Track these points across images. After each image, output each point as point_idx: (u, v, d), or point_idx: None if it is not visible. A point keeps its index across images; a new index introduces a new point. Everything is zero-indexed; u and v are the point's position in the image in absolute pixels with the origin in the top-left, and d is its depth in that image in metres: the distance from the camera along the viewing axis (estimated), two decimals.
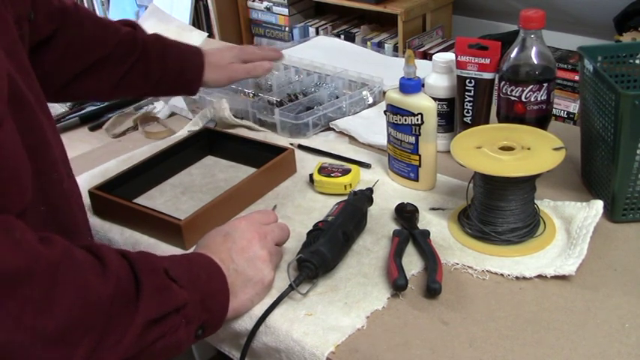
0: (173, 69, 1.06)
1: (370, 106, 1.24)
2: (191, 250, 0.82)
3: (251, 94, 1.28)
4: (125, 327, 0.60)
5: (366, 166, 1.04)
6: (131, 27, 1.05)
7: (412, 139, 0.94)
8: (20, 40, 0.72)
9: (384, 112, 0.97)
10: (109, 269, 0.61)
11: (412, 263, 0.82)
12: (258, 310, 0.75)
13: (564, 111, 2.15)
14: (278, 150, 1.03)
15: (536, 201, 0.86)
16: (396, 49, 2.64)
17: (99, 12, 3.08)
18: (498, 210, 0.83)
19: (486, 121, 1.04)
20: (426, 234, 0.84)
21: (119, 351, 0.59)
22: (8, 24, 0.69)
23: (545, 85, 0.94)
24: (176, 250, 0.87)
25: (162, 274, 0.65)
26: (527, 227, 0.84)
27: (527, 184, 0.82)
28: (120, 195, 0.95)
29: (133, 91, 1.09)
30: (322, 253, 0.78)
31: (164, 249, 0.88)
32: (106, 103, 1.36)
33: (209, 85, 1.12)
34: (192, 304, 0.67)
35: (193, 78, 1.09)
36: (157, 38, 1.07)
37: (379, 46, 2.68)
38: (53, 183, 0.71)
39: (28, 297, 0.54)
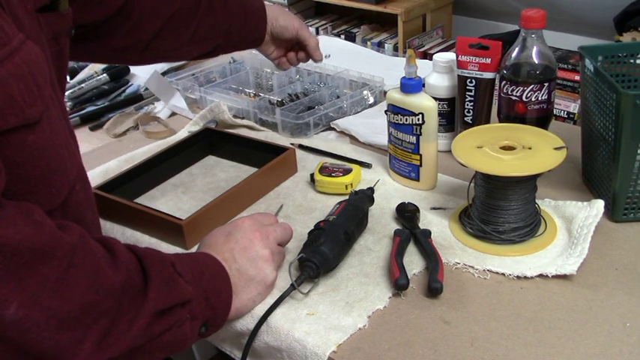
0: (237, 16, 1.06)
1: (371, 105, 1.24)
2: (193, 250, 0.82)
3: (252, 94, 1.28)
4: (134, 316, 0.61)
5: (367, 165, 1.04)
6: None
7: (413, 139, 0.94)
8: (54, 55, 0.72)
9: (385, 111, 0.97)
10: (120, 260, 0.63)
11: (413, 263, 0.82)
12: (260, 309, 0.76)
13: (564, 111, 2.15)
14: (279, 150, 1.03)
15: (537, 200, 0.86)
16: (396, 49, 2.64)
17: None
18: (499, 209, 0.83)
19: (487, 121, 1.04)
20: (427, 233, 0.85)
21: (127, 339, 0.61)
22: (42, 42, 0.70)
23: (546, 84, 0.94)
24: (177, 250, 0.88)
25: (169, 267, 0.67)
26: (528, 227, 0.84)
27: (528, 184, 0.83)
28: (121, 195, 0.95)
29: (206, 44, 1.08)
30: (324, 252, 0.78)
31: (165, 249, 0.88)
32: (106, 103, 1.36)
33: (276, 34, 1.12)
34: (197, 300, 0.67)
35: (258, 25, 1.09)
36: None
37: (379, 46, 2.68)
38: (80, 192, 0.72)
39: (46, 276, 0.56)
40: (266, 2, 1.12)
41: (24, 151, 0.60)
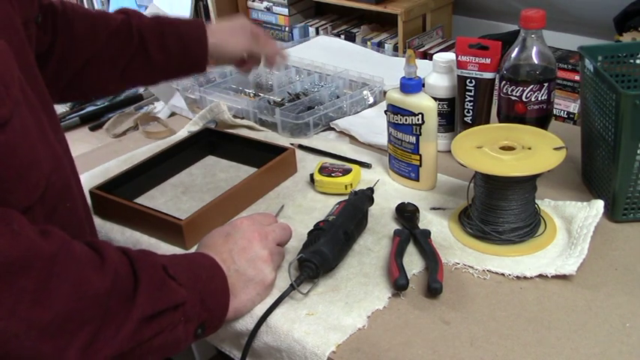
0: (175, 51, 1.02)
1: (371, 105, 1.24)
2: (192, 250, 0.82)
3: (252, 94, 1.28)
4: (121, 321, 0.61)
5: (367, 165, 1.04)
6: (125, 15, 1.01)
7: (413, 139, 0.94)
8: (27, 41, 0.72)
9: (385, 111, 0.97)
10: (107, 264, 0.62)
11: (413, 263, 0.82)
12: (259, 309, 0.76)
13: (564, 111, 2.15)
14: (279, 150, 1.03)
15: (536, 201, 0.86)
16: (396, 49, 2.63)
17: None
18: (499, 210, 0.83)
19: (487, 121, 1.04)
20: (426, 234, 0.85)
21: (115, 345, 0.60)
22: (16, 25, 0.69)
23: (546, 84, 0.94)
24: (177, 250, 0.87)
25: (160, 271, 0.66)
26: (527, 227, 0.84)
27: (527, 184, 0.83)
28: (120, 195, 0.95)
29: (141, 80, 1.06)
30: (323, 252, 0.78)
31: (165, 249, 0.88)
32: (106, 103, 1.36)
33: (221, 61, 1.08)
34: (191, 303, 0.67)
35: (198, 57, 1.04)
36: (154, 22, 1.02)
37: (379, 46, 2.68)
38: (55, 182, 0.72)
39: (23, 288, 0.55)
40: (213, 23, 1.06)
41: None
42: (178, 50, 1.02)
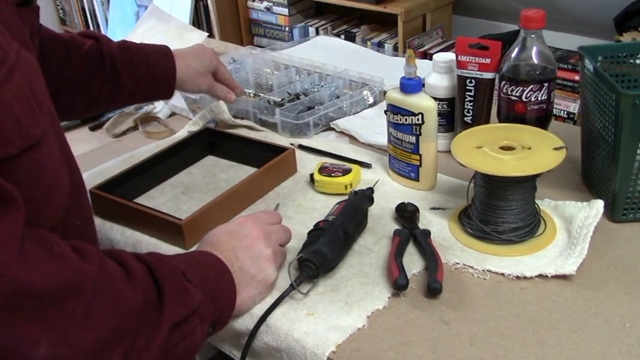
0: (144, 78, 1.04)
1: (371, 105, 1.24)
2: (194, 249, 0.82)
3: (252, 94, 1.28)
4: (152, 332, 0.60)
5: (367, 165, 1.04)
6: (94, 39, 1.01)
7: (413, 139, 0.94)
8: (35, 53, 0.72)
9: (385, 111, 0.97)
10: (135, 276, 0.62)
11: (413, 263, 0.82)
12: (259, 309, 0.76)
13: (564, 111, 2.15)
14: (279, 150, 1.03)
15: (536, 201, 0.86)
16: (396, 49, 2.63)
17: (99, 12, 3.07)
18: (499, 209, 0.83)
19: (487, 121, 1.04)
20: (426, 233, 0.85)
21: (147, 356, 0.60)
22: (26, 37, 0.69)
23: (546, 84, 0.94)
24: (177, 250, 0.87)
25: (181, 277, 0.66)
26: (527, 227, 0.84)
27: (527, 184, 0.83)
28: (120, 195, 0.95)
29: (107, 105, 1.07)
30: (323, 252, 0.78)
31: (165, 249, 0.88)
32: None
33: (184, 90, 1.12)
34: (205, 304, 0.67)
35: (166, 83, 1.07)
36: (123, 48, 1.03)
37: (379, 46, 2.68)
38: (82, 194, 0.72)
39: (73, 311, 0.55)
40: (180, 51, 1.10)
41: (29, 173, 0.59)
42: (147, 77, 1.04)
